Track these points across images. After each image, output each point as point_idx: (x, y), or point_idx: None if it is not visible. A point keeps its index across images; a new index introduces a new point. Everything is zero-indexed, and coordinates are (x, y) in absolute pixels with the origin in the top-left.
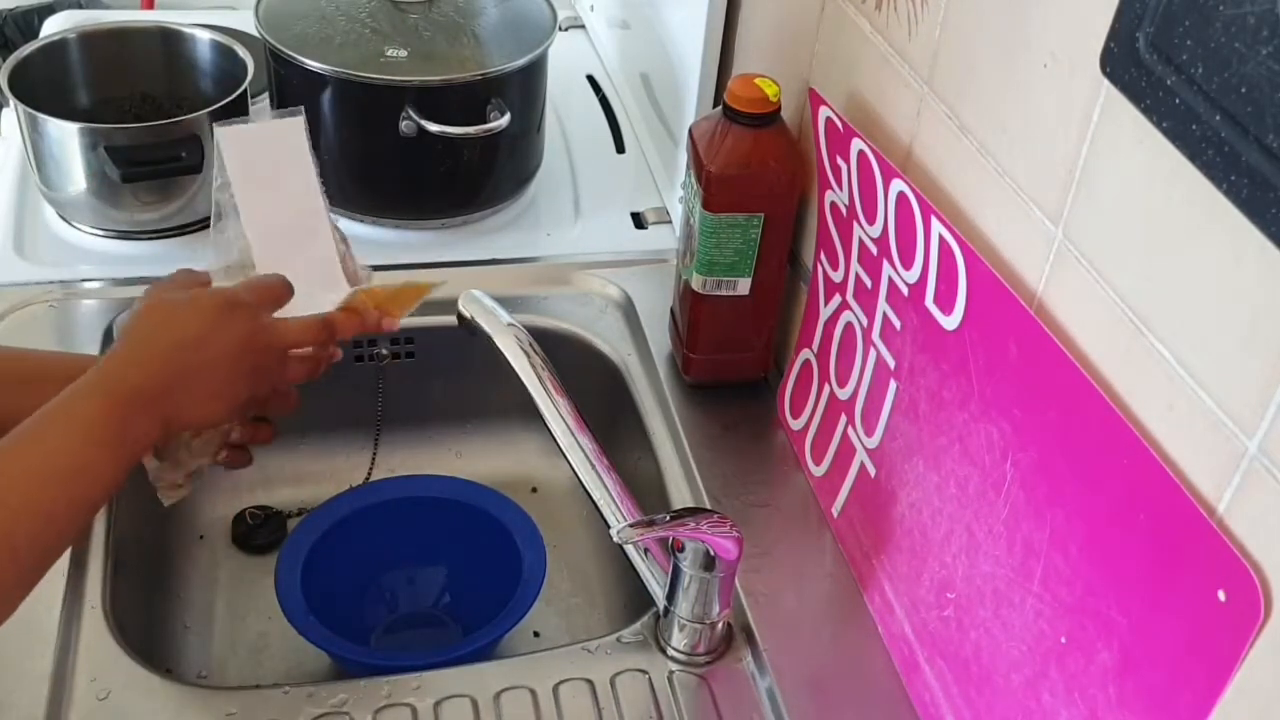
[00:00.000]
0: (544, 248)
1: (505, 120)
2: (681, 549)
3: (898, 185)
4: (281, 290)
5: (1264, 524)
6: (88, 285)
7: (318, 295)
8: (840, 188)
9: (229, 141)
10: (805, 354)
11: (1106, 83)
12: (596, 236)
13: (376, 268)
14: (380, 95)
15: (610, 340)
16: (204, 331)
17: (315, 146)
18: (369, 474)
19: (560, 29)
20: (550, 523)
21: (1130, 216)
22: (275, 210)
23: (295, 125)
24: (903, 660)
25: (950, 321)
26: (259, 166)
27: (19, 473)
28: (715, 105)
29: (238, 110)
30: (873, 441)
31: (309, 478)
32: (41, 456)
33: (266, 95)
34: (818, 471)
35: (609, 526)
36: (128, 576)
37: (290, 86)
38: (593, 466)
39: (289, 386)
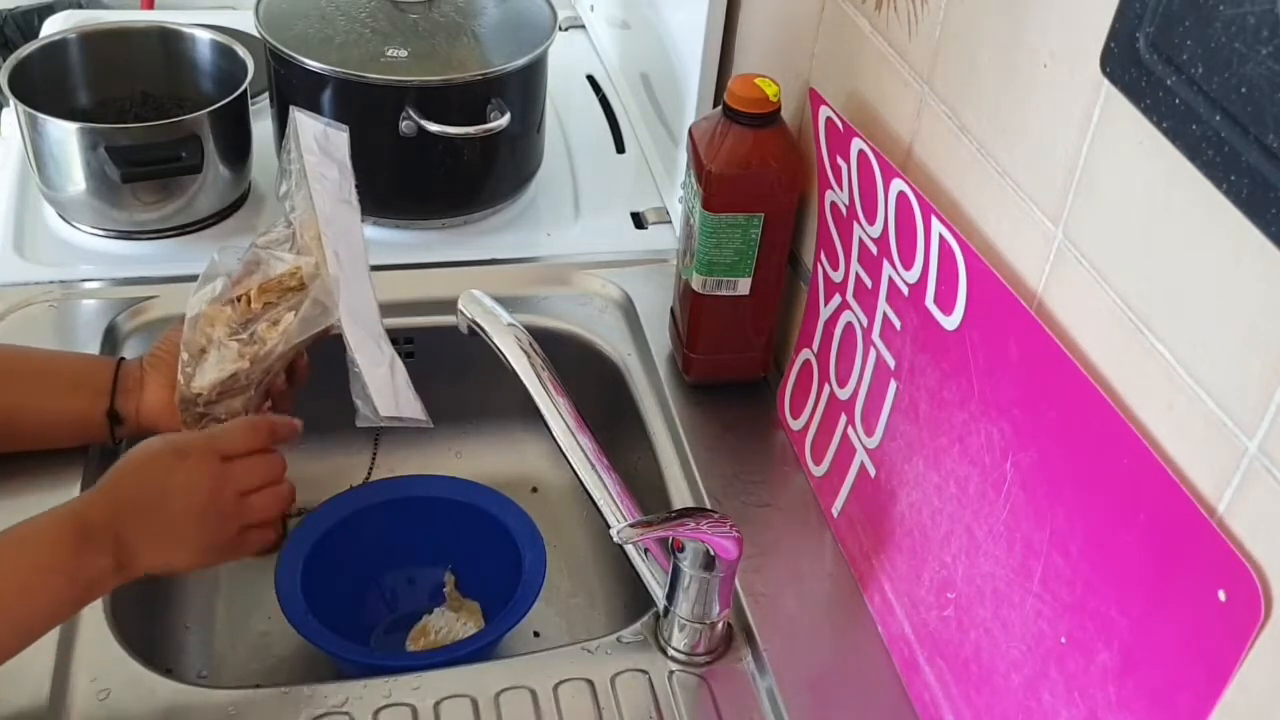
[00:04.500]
0: (544, 248)
1: (505, 120)
2: (681, 549)
3: (898, 185)
4: (275, 433)
5: (1264, 524)
6: (88, 285)
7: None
8: (840, 187)
9: (304, 123)
10: (805, 354)
11: (1106, 83)
12: (596, 236)
13: (378, 268)
14: (380, 95)
15: (610, 340)
16: (151, 480)
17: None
18: (369, 474)
19: (560, 29)
20: (550, 523)
21: (1130, 216)
22: (329, 196)
23: (343, 137)
24: (903, 660)
25: (950, 321)
26: (321, 155)
27: None
28: (715, 105)
29: (238, 110)
30: (873, 441)
31: (309, 478)
32: None
33: (266, 95)
34: (818, 471)
35: (609, 526)
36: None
37: (290, 86)
38: (593, 466)
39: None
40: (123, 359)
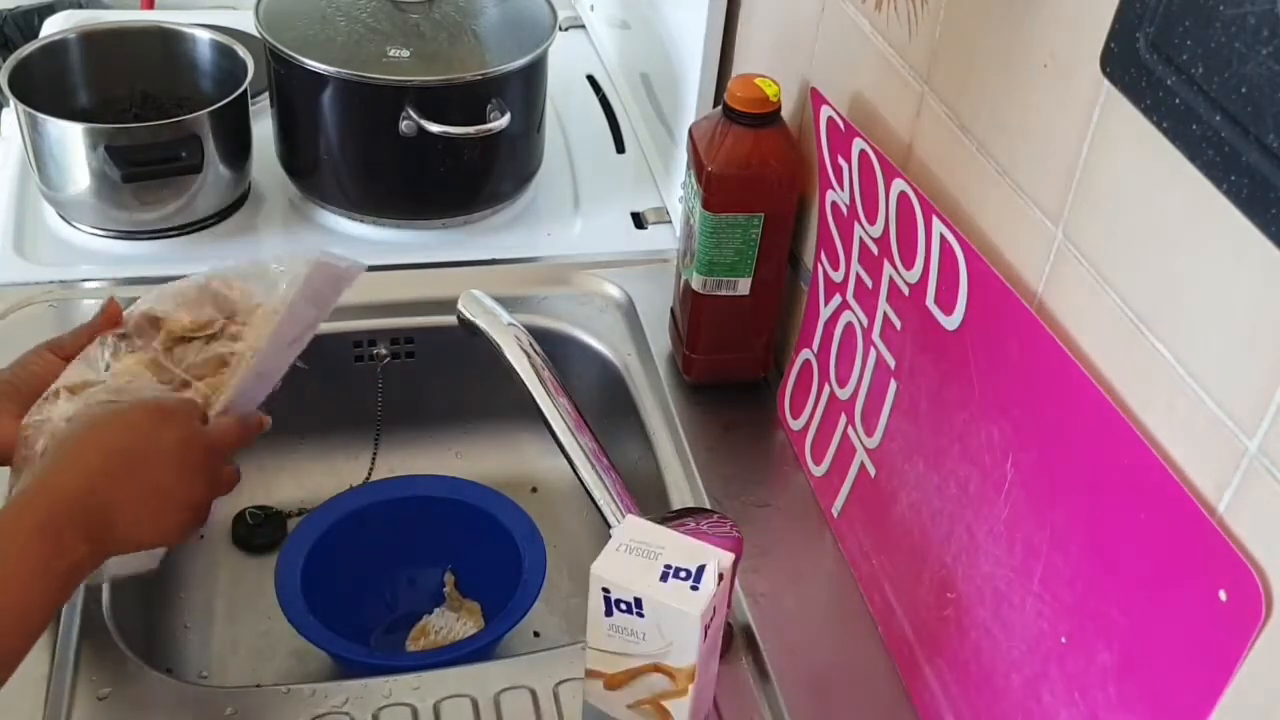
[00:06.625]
0: (544, 248)
1: (505, 120)
2: None
3: (899, 185)
4: (205, 405)
5: (1264, 524)
6: (88, 285)
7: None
8: (841, 187)
9: (318, 271)
10: (805, 354)
11: (1106, 83)
12: (596, 236)
13: (377, 268)
14: (380, 95)
15: (610, 340)
16: (134, 440)
17: (316, 146)
18: (369, 474)
19: (560, 29)
20: (550, 523)
21: (1130, 216)
22: (287, 338)
23: (356, 273)
24: (903, 660)
25: (951, 321)
26: (314, 300)
27: None
28: (715, 105)
29: (238, 110)
30: (873, 441)
31: (309, 478)
32: None
33: (266, 95)
34: (818, 471)
35: (609, 526)
36: (128, 576)
37: (290, 86)
38: (593, 466)
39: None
40: None
